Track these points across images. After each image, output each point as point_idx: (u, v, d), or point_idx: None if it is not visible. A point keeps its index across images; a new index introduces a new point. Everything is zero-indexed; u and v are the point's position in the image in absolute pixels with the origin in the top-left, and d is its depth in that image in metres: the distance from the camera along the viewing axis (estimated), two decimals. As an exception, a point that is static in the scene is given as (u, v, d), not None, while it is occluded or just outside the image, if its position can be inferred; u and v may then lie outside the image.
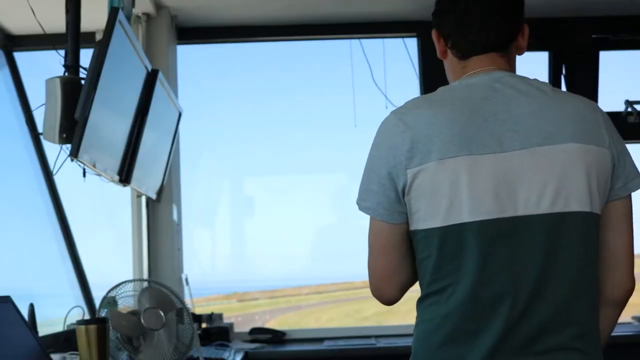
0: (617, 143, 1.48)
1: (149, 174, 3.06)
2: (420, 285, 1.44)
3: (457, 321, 1.35)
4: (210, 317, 3.61)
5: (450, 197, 1.34)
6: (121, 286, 2.25)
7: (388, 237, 1.43)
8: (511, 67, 1.55)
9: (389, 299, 1.50)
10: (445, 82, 1.58)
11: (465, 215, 1.33)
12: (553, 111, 1.40)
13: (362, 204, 1.44)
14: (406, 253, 1.45)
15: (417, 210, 1.37)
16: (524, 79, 1.49)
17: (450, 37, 1.55)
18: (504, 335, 1.33)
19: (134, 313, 2.23)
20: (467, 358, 1.34)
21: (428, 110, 1.41)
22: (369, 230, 1.46)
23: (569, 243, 1.35)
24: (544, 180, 1.34)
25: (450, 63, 1.58)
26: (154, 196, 3.28)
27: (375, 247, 1.46)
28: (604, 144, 1.44)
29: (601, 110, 1.49)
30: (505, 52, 1.54)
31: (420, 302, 1.44)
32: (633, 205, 1.47)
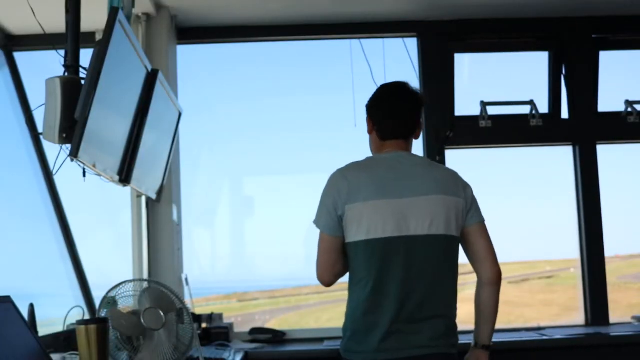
0: (469, 195, 2.35)
1: (149, 174, 3.06)
2: (349, 277, 2.33)
3: (371, 301, 2.24)
4: (210, 317, 3.61)
5: (369, 222, 2.23)
6: (121, 286, 2.24)
7: (329, 243, 2.32)
8: (409, 148, 2.42)
9: (328, 283, 2.36)
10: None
11: (379, 233, 2.23)
12: (428, 176, 2.30)
13: (317, 222, 2.33)
14: (340, 254, 2.33)
15: (349, 230, 2.27)
16: (414, 156, 2.38)
17: (376, 125, 2.42)
18: (399, 309, 2.21)
19: (134, 313, 2.23)
20: (379, 323, 2.21)
21: (358, 171, 2.32)
22: (319, 238, 2.33)
23: (435, 252, 2.25)
24: (424, 215, 2.24)
25: (373, 139, 2.45)
26: (154, 196, 3.28)
27: (321, 249, 2.34)
28: (460, 195, 2.31)
29: (456, 175, 2.38)
30: (406, 140, 2.40)
31: (349, 288, 2.33)
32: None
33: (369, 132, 2.45)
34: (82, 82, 2.26)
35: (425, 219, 2.24)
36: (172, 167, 3.58)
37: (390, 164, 2.31)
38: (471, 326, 2.39)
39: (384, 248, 2.22)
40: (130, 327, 2.19)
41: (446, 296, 2.29)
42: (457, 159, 3.92)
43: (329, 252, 2.31)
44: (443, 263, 2.27)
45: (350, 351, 2.28)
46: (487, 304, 2.34)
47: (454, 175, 2.38)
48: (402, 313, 2.20)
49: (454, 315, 2.31)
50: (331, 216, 2.29)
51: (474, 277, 2.40)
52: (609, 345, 3.42)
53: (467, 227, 2.33)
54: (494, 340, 2.40)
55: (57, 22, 2.41)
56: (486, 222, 2.37)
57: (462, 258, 2.37)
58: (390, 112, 2.37)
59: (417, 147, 2.44)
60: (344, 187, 2.28)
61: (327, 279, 2.35)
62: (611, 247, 3.97)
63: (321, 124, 4.17)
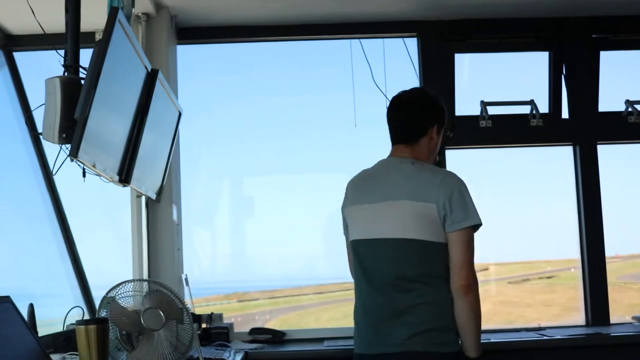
0: (445, 198, 2.34)
1: (148, 174, 3.06)
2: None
3: (356, 299, 2.51)
4: (210, 318, 3.60)
5: (351, 226, 2.53)
6: (121, 286, 2.24)
7: (346, 244, 2.63)
8: (413, 152, 2.49)
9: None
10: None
11: (355, 235, 2.50)
12: (402, 181, 2.40)
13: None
14: None
15: (348, 232, 2.58)
16: (401, 161, 2.46)
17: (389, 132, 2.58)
18: (370, 309, 2.41)
19: (135, 312, 2.23)
20: (359, 322, 2.46)
21: (358, 177, 2.59)
22: None
23: (400, 255, 2.37)
24: (390, 219, 2.38)
25: None
26: (153, 196, 3.27)
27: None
28: (430, 200, 2.34)
29: (440, 179, 2.38)
30: (408, 144, 2.50)
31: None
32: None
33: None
34: (82, 82, 2.25)
35: (390, 223, 2.38)
36: (172, 167, 3.57)
37: (378, 170, 2.52)
38: (490, 325, 2.39)
39: (358, 250, 2.48)
40: (130, 324, 2.19)
41: (415, 299, 2.35)
42: (458, 159, 3.92)
43: (348, 252, 2.63)
44: (409, 265, 2.36)
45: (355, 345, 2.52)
46: (458, 315, 2.36)
47: (432, 180, 2.39)
48: (373, 314, 2.40)
49: (426, 319, 2.35)
50: (343, 221, 2.62)
51: (486, 276, 2.41)
52: (610, 346, 3.42)
53: (446, 234, 2.37)
54: (494, 340, 2.43)
55: (56, 22, 2.41)
56: (484, 224, 2.38)
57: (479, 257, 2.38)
58: (389, 119, 2.56)
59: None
60: (345, 193, 2.62)
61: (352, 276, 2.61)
62: (612, 247, 3.96)
63: (321, 124, 4.16)
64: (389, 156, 2.55)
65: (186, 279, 3.68)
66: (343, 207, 2.60)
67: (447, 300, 2.37)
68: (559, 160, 4.07)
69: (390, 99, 2.60)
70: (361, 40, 3.99)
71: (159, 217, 3.61)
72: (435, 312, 2.35)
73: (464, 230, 2.35)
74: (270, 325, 4.10)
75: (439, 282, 2.37)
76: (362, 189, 2.52)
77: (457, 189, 2.38)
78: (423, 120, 2.51)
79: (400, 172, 2.44)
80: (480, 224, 2.38)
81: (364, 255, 2.46)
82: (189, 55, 4.02)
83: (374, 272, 2.42)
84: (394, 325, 2.35)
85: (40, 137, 2.26)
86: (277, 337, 3.68)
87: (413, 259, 2.37)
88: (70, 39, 2.37)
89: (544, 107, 4.04)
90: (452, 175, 2.44)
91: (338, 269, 4.14)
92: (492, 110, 3.99)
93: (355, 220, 2.52)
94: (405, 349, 2.32)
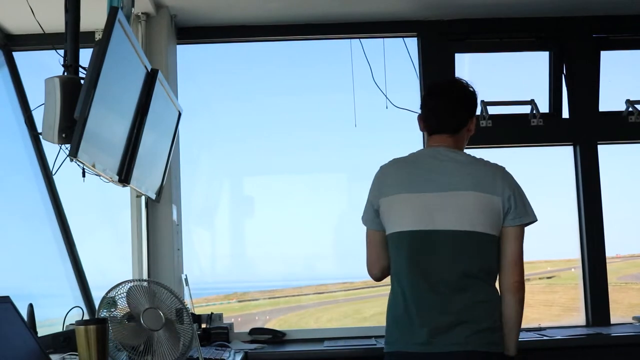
0: (510, 192, 2.31)
1: (148, 174, 3.05)
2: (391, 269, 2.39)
3: (401, 295, 2.32)
4: (210, 318, 3.60)
5: (397, 215, 2.32)
6: (121, 286, 2.24)
7: (370, 237, 2.44)
8: (456, 143, 2.42)
9: (375, 277, 2.45)
10: None
11: (405, 226, 2.30)
12: (461, 171, 2.32)
13: (362, 218, 2.45)
14: (382, 249, 2.40)
15: (385, 223, 2.37)
16: (452, 152, 2.38)
17: (425, 121, 2.47)
18: (424, 304, 2.26)
19: (132, 315, 2.22)
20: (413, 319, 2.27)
21: (395, 165, 2.43)
22: (365, 234, 2.45)
23: (460, 248, 2.25)
24: (450, 210, 2.26)
25: (426, 134, 2.49)
26: (153, 196, 3.27)
27: (366, 244, 2.46)
28: (496, 193, 2.28)
29: (501, 172, 2.36)
30: (451, 135, 2.42)
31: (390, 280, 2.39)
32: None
33: (421, 129, 2.50)
34: (82, 81, 2.25)
35: (453, 214, 2.26)
36: (172, 167, 3.57)
37: (424, 159, 2.38)
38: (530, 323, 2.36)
39: (404, 242, 2.29)
40: (132, 336, 2.18)
41: (472, 297, 2.26)
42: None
43: (371, 246, 2.42)
44: (470, 259, 2.26)
45: (389, 343, 2.35)
46: (508, 313, 2.31)
47: (494, 172, 2.34)
48: (427, 311, 2.25)
49: (483, 317, 2.26)
50: (370, 210, 2.40)
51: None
52: (610, 346, 3.41)
53: (503, 228, 2.31)
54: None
55: (56, 22, 2.41)
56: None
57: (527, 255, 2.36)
58: (432, 108, 2.44)
59: (418, 146, 2.44)
60: (380, 181, 2.40)
61: (374, 273, 2.44)
62: (612, 247, 3.96)
63: (321, 124, 4.16)
64: (430, 145, 2.43)
65: (186, 279, 3.68)
66: (377, 197, 2.38)
67: (498, 298, 2.32)
68: (559, 160, 4.06)
69: (429, 86, 2.53)
70: (361, 40, 3.99)
71: (159, 217, 3.61)
72: (490, 311, 2.28)
73: (522, 226, 2.33)
74: (270, 325, 4.10)
75: (491, 279, 2.31)
76: (408, 177, 2.35)
77: (518, 184, 2.36)
78: (467, 111, 2.44)
79: (456, 162, 2.34)
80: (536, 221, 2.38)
81: (416, 247, 2.28)
82: (189, 55, 4.01)
83: (430, 266, 2.27)
84: (452, 324, 2.23)
85: (40, 137, 2.26)
86: (277, 337, 3.67)
87: (474, 252, 2.27)
88: (70, 38, 2.37)
89: (544, 107, 4.04)
90: (506, 169, 2.41)
91: (338, 269, 4.16)
92: (492, 110, 3.98)
93: (399, 210, 2.32)
94: (465, 349, 2.21)
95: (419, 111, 2.49)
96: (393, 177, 2.38)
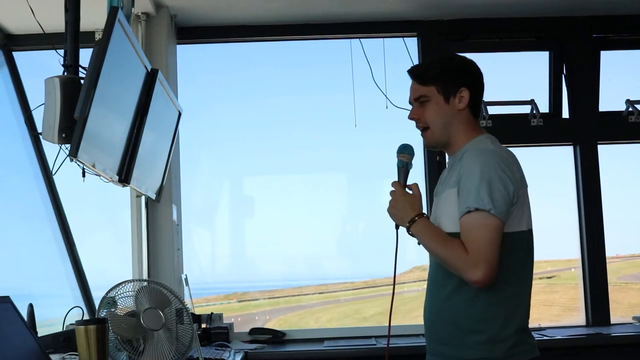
0: (463, 179, 2.01)
1: (148, 174, 3.05)
2: (501, 272, 1.94)
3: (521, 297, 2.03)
4: (210, 318, 3.60)
5: (528, 212, 2.08)
6: (121, 286, 2.24)
7: (500, 232, 1.94)
8: None
9: (491, 283, 1.92)
10: None
11: (529, 224, 2.05)
12: None
13: (493, 206, 1.95)
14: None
15: (513, 218, 1.98)
16: None
17: (474, 101, 2.15)
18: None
19: (133, 314, 2.22)
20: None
21: (511, 155, 2.17)
22: (486, 227, 1.94)
23: None
24: None
25: (465, 116, 2.17)
26: (153, 196, 3.27)
27: (489, 240, 1.93)
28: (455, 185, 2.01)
29: (475, 160, 2.05)
30: None
31: (498, 285, 1.94)
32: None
33: (462, 108, 2.14)
34: (82, 81, 2.25)
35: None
36: (172, 167, 3.57)
37: (508, 151, 2.17)
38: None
39: (529, 241, 2.04)
40: (130, 330, 2.18)
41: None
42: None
43: (499, 243, 1.92)
44: None
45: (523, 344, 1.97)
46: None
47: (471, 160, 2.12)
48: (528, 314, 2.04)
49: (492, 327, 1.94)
50: (507, 200, 1.96)
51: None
52: (610, 346, 3.41)
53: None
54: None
55: (56, 22, 2.41)
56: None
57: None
58: (482, 93, 2.19)
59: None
60: (517, 168, 2.08)
61: (494, 277, 1.91)
62: (612, 247, 3.96)
63: (321, 124, 4.16)
64: (487, 135, 2.22)
65: (186, 279, 3.68)
66: (519, 188, 2.03)
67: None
68: (559, 160, 4.07)
69: (473, 64, 2.18)
70: (361, 39, 3.99)
71: (159, 217, 3.61)
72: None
73: (465, 212, 2.10)
74: (270, 325, 4.10)
75: None
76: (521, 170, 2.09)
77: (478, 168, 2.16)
78: None
79: None
80: None
81: (532, 248, 2.05)
82: (189, 55, 4.01)
83: (532, 267, 2.06)
84: None
85: (40, 137, 2.26)
86: (277, 337, 3.67)
87: None
88: (70, 38, 2.37)
89: (544, 107, 4.04)
90: None
91: (338, 269, 4.16)
92: (492, 110, 3.98)
93: (526, 205, 2.05)
94: None
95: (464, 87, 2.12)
96: (518, 167, 2.11)
